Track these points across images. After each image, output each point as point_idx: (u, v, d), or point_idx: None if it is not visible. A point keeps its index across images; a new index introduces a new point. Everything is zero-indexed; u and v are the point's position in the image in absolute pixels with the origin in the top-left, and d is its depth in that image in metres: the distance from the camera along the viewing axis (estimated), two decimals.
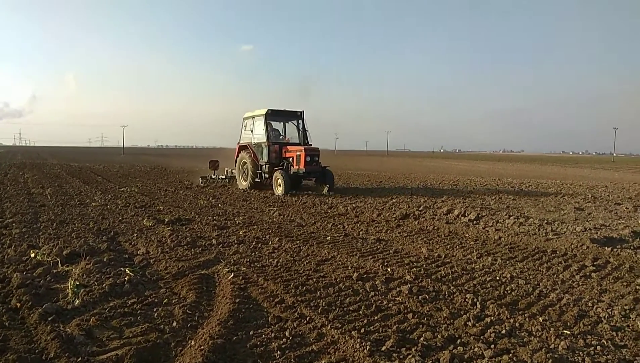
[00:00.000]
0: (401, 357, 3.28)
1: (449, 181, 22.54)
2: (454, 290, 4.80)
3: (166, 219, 8.88)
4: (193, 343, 3.50)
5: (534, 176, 32.64)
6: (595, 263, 6.09)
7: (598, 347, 3.50)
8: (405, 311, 4.21)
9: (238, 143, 17.16)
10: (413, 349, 3.38)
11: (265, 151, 15.67)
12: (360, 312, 4.15)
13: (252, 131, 16.27)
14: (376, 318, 4.02)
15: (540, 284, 5.15)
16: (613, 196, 16.16)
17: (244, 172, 16.35)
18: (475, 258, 6.39)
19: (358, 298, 4.52)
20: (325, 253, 6.44)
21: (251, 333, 3.69)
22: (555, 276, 5.53)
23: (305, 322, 3.93)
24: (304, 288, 4.80)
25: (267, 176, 15.48)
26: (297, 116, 16.54)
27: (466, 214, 9.86)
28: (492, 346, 3.47)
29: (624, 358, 3.34)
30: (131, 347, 3.35)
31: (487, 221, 9.27)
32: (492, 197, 14.98)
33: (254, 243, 7.06)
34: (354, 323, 3.89)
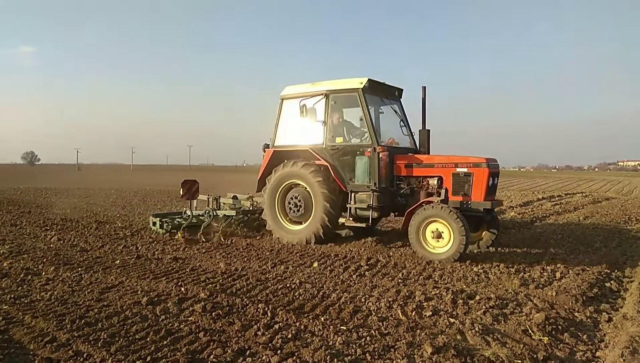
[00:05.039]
0: None
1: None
2: (247, 302, 4.91)
3: None
4: None
5: None
6: (368, 262, 7.00)
7: (368, 338, 3.97)
8: (197, 330, 4.12)
9: (270, 146, 9.38)
10: None
11: (369, 163, 8.03)
12: (148, 339, 3.90)
13: (323, 122, 8.50)
14: (165, 343, 3.83)
15: (324, 286, 5.66)
16: None
17: (296, 205, 8.72)
18: (269, 267, 6.68)
19: (146, 324, 4.24)
20: (112, 279, 5.88)
21: None
22: (337, 277, 6.16)
23: (81, 359, 3.51)
24: (83, 321, 4.27)
25: (375, 215, 8.20)
26: (395, 96, 9.32)
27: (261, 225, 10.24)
28: (279, 351, 3.65)
29: (387, 344, 3.86)
30: None
31: None
32: None
33: (22, 275, 6.01)
34: (140, 352, 3.63)
